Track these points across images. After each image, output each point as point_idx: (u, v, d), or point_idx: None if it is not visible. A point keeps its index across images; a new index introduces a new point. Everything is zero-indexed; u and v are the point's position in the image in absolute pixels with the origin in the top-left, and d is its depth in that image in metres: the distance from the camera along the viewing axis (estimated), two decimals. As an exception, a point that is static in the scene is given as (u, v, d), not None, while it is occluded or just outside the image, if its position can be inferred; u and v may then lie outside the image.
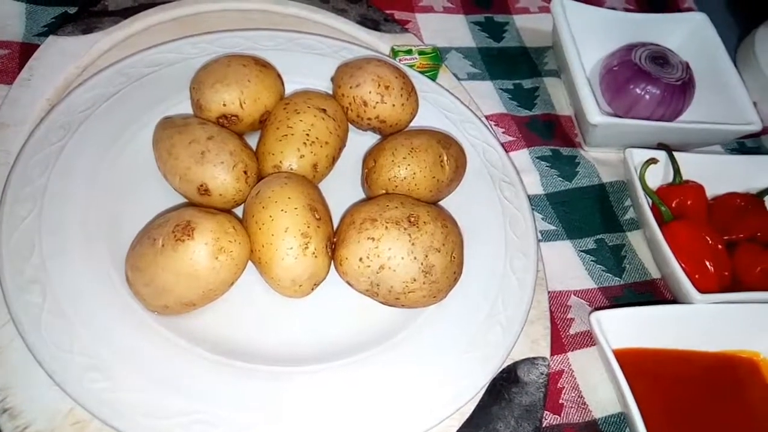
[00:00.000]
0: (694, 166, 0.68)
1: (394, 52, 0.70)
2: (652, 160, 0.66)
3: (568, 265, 0.64)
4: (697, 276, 0.59)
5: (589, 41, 0.76)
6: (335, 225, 0.53)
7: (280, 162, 0.53)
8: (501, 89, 0.76)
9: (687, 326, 0.57)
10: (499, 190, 0.60)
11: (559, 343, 0.58)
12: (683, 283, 0.57)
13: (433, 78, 0.70)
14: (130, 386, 0.43)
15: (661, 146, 0.68)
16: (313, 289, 0.49)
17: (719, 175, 0.69)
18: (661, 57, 0.73)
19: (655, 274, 0.66)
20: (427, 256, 0.47)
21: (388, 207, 0.49)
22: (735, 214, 0.66)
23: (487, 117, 0.72)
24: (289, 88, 0.60)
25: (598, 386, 0.56)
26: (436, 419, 0.47)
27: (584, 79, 0.69)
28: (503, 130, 0.73)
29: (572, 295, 0.62)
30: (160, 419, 0.42)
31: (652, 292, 0.64)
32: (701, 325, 0.57)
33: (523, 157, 0.71)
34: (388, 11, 0.78)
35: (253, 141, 0.57)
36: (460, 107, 0.66)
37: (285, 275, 0.47)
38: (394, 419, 0.46)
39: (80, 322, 0.45)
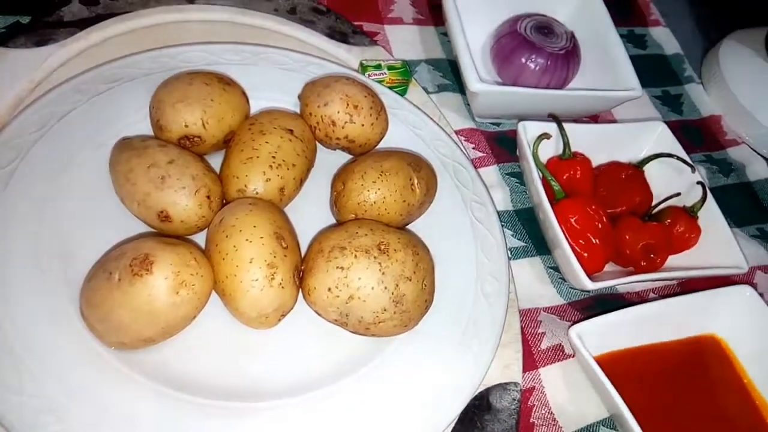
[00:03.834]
0: (580, 136, 0.68)
1: (363, 68, 0.68)
2: (545, 135, 0.66)
3: (538, 282, 0.64)
4: (586, 254, 0.61)
5: (481, 14, 0.77)
6: (303, 250, 0.52)
7: (245, 186, 0.51)
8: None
9: (653, 321, 0.59)
10: (470, 211, 0.59)
11: (531, 360, 0.57)
12: (576, 270, 0.58)
13: (403, 93, 0.69)
14: (87, 429, 0.41)
15: (551, 118, 0.68)
16: (279, 320, 0.47)
17: (604, 143, 0.70)
18: (546, 27, 0.74)
19: (622, 288, 0.66)
20: (397, 286, 0.46)
21: (357, 234, 0.47)
22: (618, 186, 0.67)
23: (456, 132, 0.71)
24: (255, 105, 0.58)
25: (566, 402, 0.56)
26: (407, 452, 0.46)
27: (465, 48, 0.68)
28: (473, 145, 0.72)
29: (542, 311, 0.62)
30: (119, 463, 0.40)
31: (619, 299, 0.65)
32: (665, 317, 0.60)
33: (492, 173, 0.70)
34: (356, 23, 0.77)
35: (216, 161, 0.55)
36: (431, 125, 0.65)
37: (250, 307, 0.45)
38: (365, 453, 0.45)
39: (31, 360, 0.42)
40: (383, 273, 0.46)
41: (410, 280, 0.47)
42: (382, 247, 0.47)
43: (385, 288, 0.46)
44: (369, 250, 0.46)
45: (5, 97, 0.57)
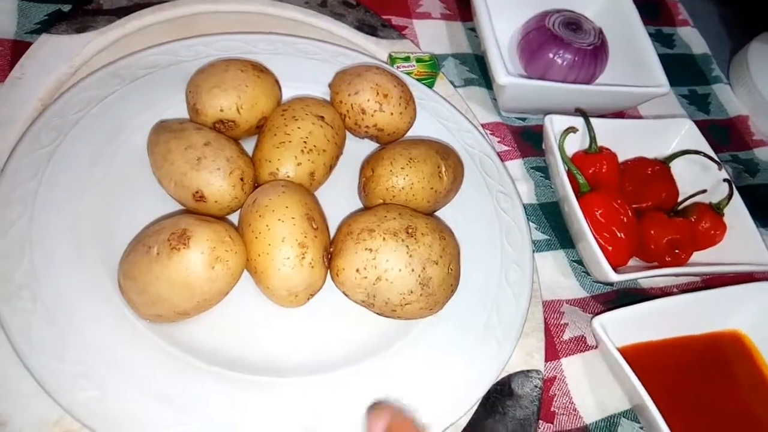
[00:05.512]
0: (606, 131, 0.68)
1: (392, 59, 0.69)
2: (572, 129, 0.66)
3: (561, 275, 0.65)
4: (610, 248, 0.61)
5: (509, 9, 0.78)
6: (332, 234, 0.53)
7: (277, 169, 0.52)
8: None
9: (677, 315, 0.59)
10: (495, 201, 0.60)
11: (553, 350, 0.58)
12: (600, 261, 0.58)
13: (430, 86, 0.70)
14: (121, 396, 0.43)
15: (578, 112, 0.68)
16: (308, 300, 0.48)
17: (631, 139, 0.71)
18: (574, 23, 0.75)
19: (645, 283, 0.66)
20: (424, 269, 0.47)
21: (386, 218, 0.48)
22: (644, 181, 0.68)
23: (482, 125, 0.72)
24: (286, 93, 0.60)
25: (587, 392, 0.56)
26: (430, 432, 0.46)
27: (493, 41, 0.69)
28: (498, 139, 0.73)
29: (564, 303, 0.62)
30: (152, 431, 0.42)
31: (642, 293, 0.65)
32: (688, 311, 0.60)
33: (517, 166, 0.71)
34: (385, 16, 0.78)
35: (248, 146, 0.56)
36: (457, 116, 0.66)
37: (281, 285, 0.46)
38: (388, 432, 0.46)
39: (71, 330, 0.44)
40: (411, 256, 0.47)
41: (437, 263, 0.48)
42: (410, 230, 0.48)
43: (412, 270, 0.47)
44: (397, 233, 0.47)
45: (47, 80, 0.59)
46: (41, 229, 0.48)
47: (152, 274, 0.42)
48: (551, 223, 0.68)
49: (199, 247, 0.43)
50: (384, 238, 0.47)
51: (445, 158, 0.55)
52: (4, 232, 0.47)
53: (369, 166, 0.55)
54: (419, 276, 0.47)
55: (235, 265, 0.44)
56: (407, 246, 0.47)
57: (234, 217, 0.52)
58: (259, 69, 0.57)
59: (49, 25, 0.63)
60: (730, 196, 0.66)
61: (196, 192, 0.49)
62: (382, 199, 0.54)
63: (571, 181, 0.63)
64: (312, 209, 0.49)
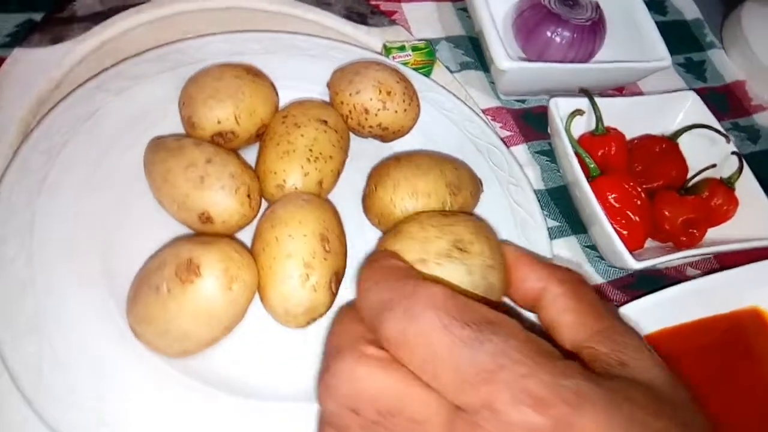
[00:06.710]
0: (610, 110, 0.66)
1: (387, 50, 0.66)
2: (579, 112, 0.64)
3: (576, 262, 0.63)
4: (626, 232, 0.60)
5: None
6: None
7: (284, 181, 0.49)
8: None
9: (697, 297, 0.58)
10: (508, 194, 0.58)
11: (572, 342, 0.57)
12: (617, 247, 0.57)
13: (428, 74, 0.67)
14: (145, 437, 0.41)
15: (582, 93, 0.66)
16: (308, 324, 0.45)
17: (635, 116, 0.69)
18: None
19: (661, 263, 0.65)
20: (485, 278, 0.41)
21: (427, 239, 0.42)
22: (653, 160, 0.66)
23: (483, 111, 0.70)
24: (281, 94, 0.56)
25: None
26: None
27: (490, 23, 0.66)
28: (500, 124, 0.71)
29: (581, 291, 0.61)
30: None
31: (658, 275, 0.65)
32: (708, 293, 0.59)
33: (521, 152, 0.69)
34: (373, 2, 0.75)
35: (247, 155, 0.53)
36: (461, 106, 0.63)
37: (279, 303, 0.44)
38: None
39: (84, 373, 0.42)
40: (471, 273, 0.41)
41: (494, 268, 0.41)
42: (459, 245, 0.41)
43: (476, 287, 0.41)
44: (450, 254, 0.41)
45: (26, 98, 0.55)
46: (42, 264, 0.44)
47: (170, 313, 0.40)
48: (561, 209, 0.66)
49: (212, 272, 0.40)
50: (439, 264, 0.40)
51: (454, 193, 0.51)
52: (2, 270, 0.44)
53: (373, 180, 0.52)
54: (482, 288, 0.41)
55: (250, 279, 0.42)
56: (465, 264, 0.41)
57: (241, 235, 0.50)
58: (254, 73, 0.53)
59: (21, 38, 0.59)
60: (740, 169, 0.65)
61: (202, 213, 0.46)
62: (378, 219, 0.51)
63: (580, 165, 0.61)
64: (329, 229, 0.46)
